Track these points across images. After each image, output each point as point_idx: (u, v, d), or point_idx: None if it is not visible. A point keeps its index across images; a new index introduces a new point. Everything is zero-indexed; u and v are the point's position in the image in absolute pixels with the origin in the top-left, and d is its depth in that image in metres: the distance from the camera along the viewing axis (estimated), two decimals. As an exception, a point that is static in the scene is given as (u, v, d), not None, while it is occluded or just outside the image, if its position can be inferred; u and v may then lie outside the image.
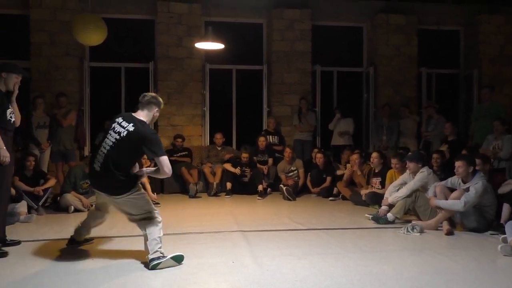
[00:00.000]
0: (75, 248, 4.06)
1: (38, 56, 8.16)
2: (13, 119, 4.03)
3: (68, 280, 3.19)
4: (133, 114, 3.60)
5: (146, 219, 3.57)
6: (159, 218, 3.63)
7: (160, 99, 3.71)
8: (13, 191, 5.58)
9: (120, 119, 3.54)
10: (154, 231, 3.55)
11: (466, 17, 9.59)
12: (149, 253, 3.49)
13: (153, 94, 3.77)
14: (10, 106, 3.99)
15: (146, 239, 3.54)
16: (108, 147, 3.47)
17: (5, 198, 4.08)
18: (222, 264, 3.56)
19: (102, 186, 3.59)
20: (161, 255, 3.48)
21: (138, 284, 3.13)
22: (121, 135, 3.44)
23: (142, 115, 3.59)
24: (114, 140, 3.46)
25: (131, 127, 3.45)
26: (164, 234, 4.59)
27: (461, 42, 9.85)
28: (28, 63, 8.17)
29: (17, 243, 4.20)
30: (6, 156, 3.83)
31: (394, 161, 6.04)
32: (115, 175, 3.44)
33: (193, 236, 4.51)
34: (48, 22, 8.16)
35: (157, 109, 3.66)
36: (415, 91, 9.30)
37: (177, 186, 7.92)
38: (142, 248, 3.84)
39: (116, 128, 3.50)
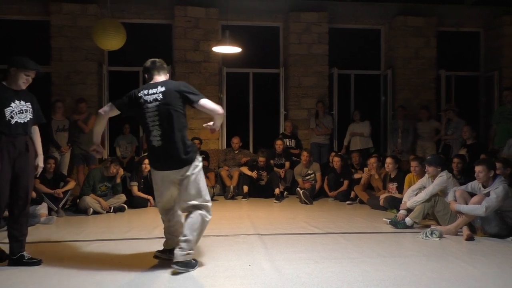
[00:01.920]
0: (94, 250, 4.12)
1: (58, 61, 8.32)
2: (16, 120, 3.53)
3: (87, 281, 3.24)
4: (150, 82, 3.56)
5: (199, 208, 3.47)
6: (209, 215, 3.55)
7: None
8: (33, 193, 5.71)
9: (144, 92, 3.45)
10: (197, 225, 3.43)
11: (486, 19, 9.44)
12: (179, 249, 3.34)
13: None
14: (10, 104, 3.52)
15: (182, 231, 3.40)
16: (156, 118, 3.39)
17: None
18: (238, 267, 3.56)
19: (168, 161, 3.40)
20: (191, 260, 3.38)
21: (156, 286, 3.15)
22: (158, 99, 3.39)
23: (162, 78, 3.57)
24: (155, 108, 3.39)
25: (160, 88, 3.42)
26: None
27: (481, 43, 9.71)
28: (48, 67, 8.35)
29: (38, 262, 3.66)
30: None
31: (413, 164, 5.96)
32: (177, 142, 3.38)
33: (210, 239, 4.52)
34: (68, 28, 8.32)
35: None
36: (434, 94, 9.19)
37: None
38: (158, 249, 3.86)
39: (148, 99, 3.42)
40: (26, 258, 3.61)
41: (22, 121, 3.58)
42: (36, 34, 8.59)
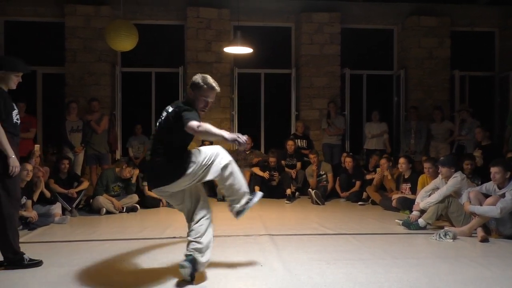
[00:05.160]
0: (107, 250, 4.15)
1: (72, 62, 8.41)
2: (19, 121, 3.56)
3: (100, 281, 3.26)
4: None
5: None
6: None
7: (200, 80, 3.31)
8: (48, 193, 5.79)
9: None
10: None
11: (501, 18, 9.33)
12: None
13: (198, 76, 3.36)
14: (15, 107, 3.53)
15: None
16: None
17: (16, 211, 3.58)
18: (250, 267, 3.56)
19: None
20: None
21: (166, 286, 3.16)
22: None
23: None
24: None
25: (170, 108, 3.33)
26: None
27: (496, 43, 9.59)
28: (62, 68, 8.46)
29: (38, 263, 3.60)
30: (16, 166, 3.38)
31: (427, 165, 5.90)
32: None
33: (221, 239, 4.53)
34: (82, 29, 8.40)
35: (196, 92, 3.33)
36: (447, 95, 9.09)
37: (205, 189, 7.94)
38: (170, 249, 3.88)
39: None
40: (27, 260, 3.54)
41: (19, 122, 3.57)
42: (51, 35, 8.70)
